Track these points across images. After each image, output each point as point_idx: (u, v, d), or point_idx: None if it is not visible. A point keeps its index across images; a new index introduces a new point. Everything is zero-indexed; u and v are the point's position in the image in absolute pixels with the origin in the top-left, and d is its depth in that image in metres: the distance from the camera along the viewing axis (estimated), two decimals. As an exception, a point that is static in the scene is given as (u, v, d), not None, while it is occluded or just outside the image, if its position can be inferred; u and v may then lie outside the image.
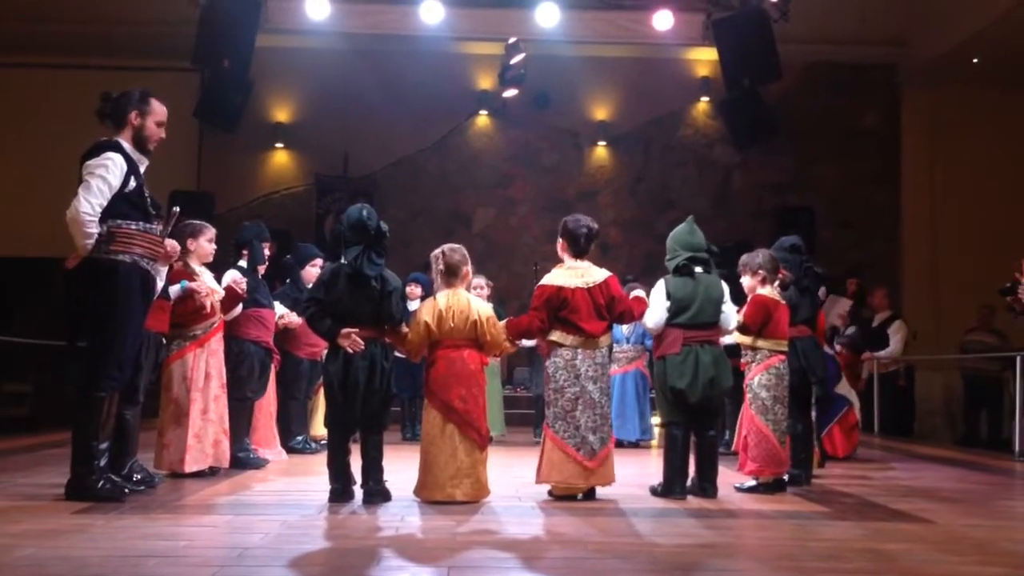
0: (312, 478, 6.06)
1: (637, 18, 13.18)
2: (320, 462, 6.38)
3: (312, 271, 7.73)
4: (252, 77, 12.67)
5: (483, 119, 14.34)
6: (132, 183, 4.93)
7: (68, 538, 3.91)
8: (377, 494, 5.06)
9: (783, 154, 14.03)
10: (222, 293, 6.23)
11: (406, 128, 13.79)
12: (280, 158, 14.18)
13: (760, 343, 5.75)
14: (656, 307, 5.54)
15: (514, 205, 14.28)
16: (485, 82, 14.10)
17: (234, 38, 12.07)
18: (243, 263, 6.79)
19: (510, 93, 13.35)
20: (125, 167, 4.91)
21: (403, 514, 4.74)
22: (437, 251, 5.44)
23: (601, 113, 14.35)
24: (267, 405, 7.18)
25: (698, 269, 5.59)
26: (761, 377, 5.71)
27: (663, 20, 12.80)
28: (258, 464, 6.61)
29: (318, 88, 13.89)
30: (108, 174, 4.83)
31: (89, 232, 4.78)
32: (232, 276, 6.47)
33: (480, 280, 8.42)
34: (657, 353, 5.60)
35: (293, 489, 5.73)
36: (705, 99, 14.29)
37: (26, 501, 4.85)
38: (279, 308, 7.32)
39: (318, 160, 13.94)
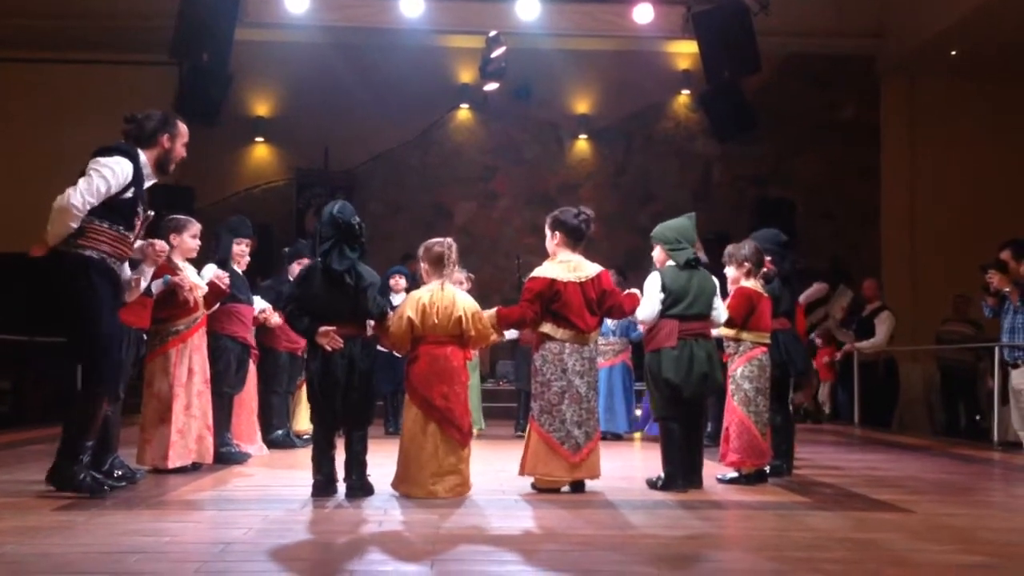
0: (294, 472, 6.04)
1: (617, 11, 13.20)
2: (302, 457, 6.39)
3: (297, 269, 7.75)
4: (231, 71, 12.59)
5: (464, 112, 14.32)
6: (129, 194, 4.92)
7: (49, 535, 3.89)
8: (360, 489, 5.06)
9: (764, 146, 14.08)
10: (205, 288, 6.19)
11: (387, 122, 13.75)
12: (260, 152, 14.12)
13: (744, 335, 5.77)
14: (651, 300, 5.52)
15: (496, 199, 14.28)
16: (466, 75, 14.07)
17: (213, 32, 11.99)
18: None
19: (491, 86, 13.33)
20: (130, 178, 4.90)
21: (386, 508, 4.73)
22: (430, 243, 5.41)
23: (582, 106, 14.36)
24: (248, 400, 7.15)
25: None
26: (743, 368, 5.73)
27: (643, 13, 12.82)
28: (240, 459, 6.59)
29: (298, 82, 13.83)
30: (111, 177, 4.82)
31: (71, 226, 4.76)
32: (213, 270, 6.43)
33: (461, 274, 8.39)
34: (651, 346, 5.56)
35: (275, 484, 5.71)
36: (686, 92, 14.33)
37: (6, 498, 4.81)
38: (260, 303, 7.28)
39: (298, 154, 13.89)
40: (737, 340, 5.79)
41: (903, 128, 14.32)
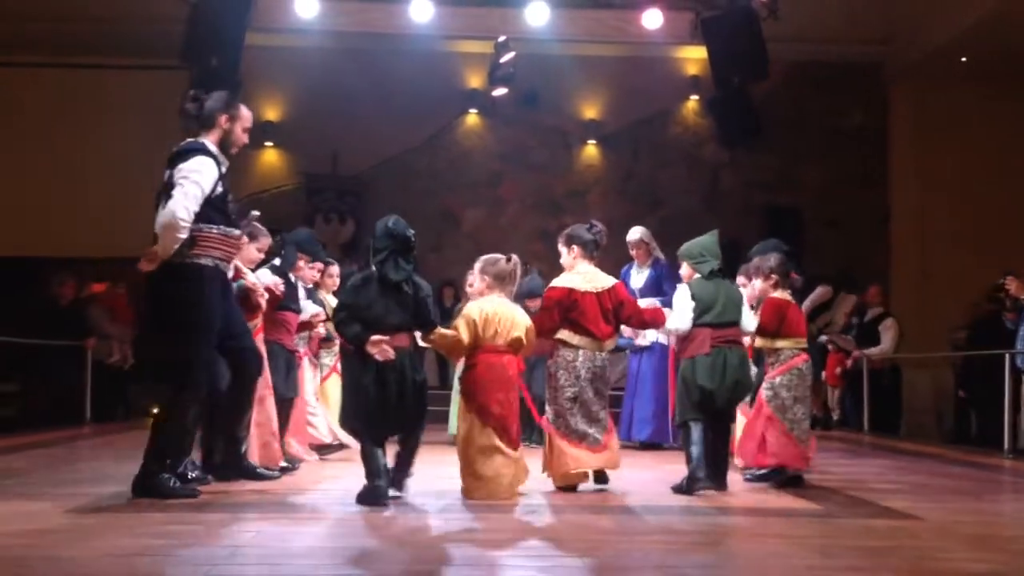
0: (305, 478, 6.05)
1: (626, 17, 13.21)
2: (311, 462, 6.41)
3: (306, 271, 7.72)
4: (241, 76, 12.61)
5: (472, 118, 14.34)
6: (219, 188, 5.00)
7: (58, 537, 3.89)
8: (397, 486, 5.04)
9: (772, 153, 14.05)
10: (266, 295, 6.13)
11: (395, 127, 13.77)
12: (269, 157, 14.15)
13: (780, 343, 5.84)
14: (683, 310, 5.66)
15: (503, 204, 14.28)
16: (474, 81, 14.10)
17: (223, 36, 12.02)
18: (277, 263, 6.70)
19: (499, 92, 13.36)
20: (216, 173, 4.98)
21: (400, 512, 4.71)
22: (491, 258, 5.51)
23: (591, 112, 14.37)
24: (301, 405, 7.07)
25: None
26: (783, 377, 5.78)
27: (652, 19, 12.82)
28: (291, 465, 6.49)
29: (307, 87, 13.86)
30: (203, 179, 4.90)
31: (181, 237, 4.84)
32: (272, 278, 6.29)
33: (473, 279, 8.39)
34: (686, 354, 5.68)
35: (286, 489, 5.68)
36: (694, 98, 14.32)
37: (15, 500, 4.82)
38: (312, 308, 7.12)
39: (307, 159, 13.92)
40: (776, 350, 5.85)
41: (911, 135, 14.27)
